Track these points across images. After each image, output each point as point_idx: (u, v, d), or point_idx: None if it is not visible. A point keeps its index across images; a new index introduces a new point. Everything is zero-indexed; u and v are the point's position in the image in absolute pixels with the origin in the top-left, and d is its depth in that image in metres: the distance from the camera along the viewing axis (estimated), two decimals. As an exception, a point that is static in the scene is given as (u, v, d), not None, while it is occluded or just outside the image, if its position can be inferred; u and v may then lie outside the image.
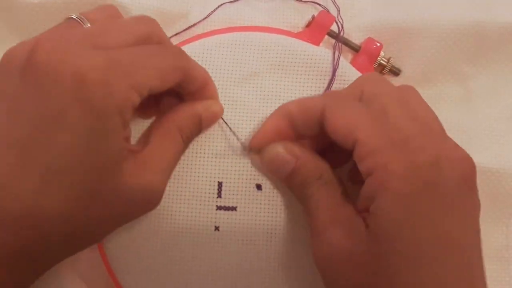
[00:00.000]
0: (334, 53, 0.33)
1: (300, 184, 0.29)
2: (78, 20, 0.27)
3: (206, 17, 0.34)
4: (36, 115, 0.22)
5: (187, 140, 0.29)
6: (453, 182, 0.24)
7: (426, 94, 0.35)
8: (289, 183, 0.30)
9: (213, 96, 0.31)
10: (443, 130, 0.27)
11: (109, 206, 0.25)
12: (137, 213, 0.28)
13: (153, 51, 0.26)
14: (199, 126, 0.30)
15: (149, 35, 0.27)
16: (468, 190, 0.25)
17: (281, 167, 0.29)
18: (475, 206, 0.25)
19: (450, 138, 0.27)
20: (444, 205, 0.24)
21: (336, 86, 0.33)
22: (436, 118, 0.27)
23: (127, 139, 0.27)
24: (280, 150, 0.29)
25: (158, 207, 0.29)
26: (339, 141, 0.27)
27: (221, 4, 0.34)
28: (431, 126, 0.26)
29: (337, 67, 0.33)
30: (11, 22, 0.34)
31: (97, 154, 0.23)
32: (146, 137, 0.29)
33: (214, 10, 0.34)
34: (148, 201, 0.27)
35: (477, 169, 0.33)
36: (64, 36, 0.25)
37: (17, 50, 0.25)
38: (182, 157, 0.31)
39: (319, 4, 0.35)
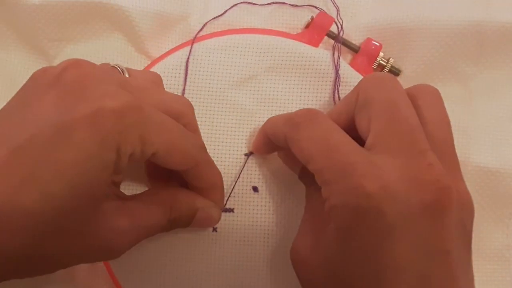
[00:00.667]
0: (333, 54, 0.33)
1: (304, 184, 0.30)
2: (119, 70, 0.27)
3: (217, 16, 0.34)
4: (45, 123, 0.22)
5: (171, 223, 0.28)
6: (404, 211, 0.22)
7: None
8: (301, 180, 0.30)
9: (217, 202, 0.30)
10: (423, 148, 0.24)
11: (73, 234, 0.24)
12: (95, 254, 0.26)
13: (177, 127, 0.26)
14: (189, 220, 0.28)
15: (181, 114, 0.27)
16: (428, 217, 0.23)
17: (293, 168, 0.30)
18: (440, 234, 0.23)
19: (430, 157, 0.24)
20: (386, 236, 0.22)
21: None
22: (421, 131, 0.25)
23: (116, 184, 0.26)
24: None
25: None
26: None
27: (234, 5, 0.35)
28: (416, 139, 0.24)
29: (339, 67, 0.33)
30: (12, 24, 0.34)
31: (83, 181, 0.22)
32: (140, 195, 0.28)
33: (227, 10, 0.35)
34: (110, 248, 0.25)
35: (478, 169, 0.33)
36: (102, 68, 0.25)
37: (52, 67, 0.25)
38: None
39: (316, 7, 0.35)
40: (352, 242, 0.23)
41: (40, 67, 0.34)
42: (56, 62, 0.34)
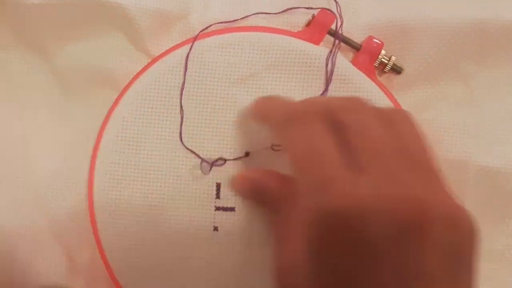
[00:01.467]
0: (331, 51, 0.33)
1: (262, 204, 0.31)
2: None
3: (228, 21, 0.34)
4: None
5: None
6: (384, 231, 0.21)
7: (429, 93, 0.35)
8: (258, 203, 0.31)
9: None
10: (408, 165, 0.23)
11: None
12: None
13: None
14: None
15: None
16: (407, 238, 0.21)
17: (246, 195, 0.31)
18: (418, 255, 0.21)
19: (414, 174, 0.23)
20: (365, 257, 0.22)
21: (336, 85, 0.33)
22: (405, 149, 0.24)
23: None
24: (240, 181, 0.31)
25: (159, 208, 0.30)
26: None
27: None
28: (389, 163, 0.23)
29: (334, 66, 0.33)
30: (12, 23, 0.34)
31: None
32: None
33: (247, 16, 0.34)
34: None
35: (479, 168, 0.33)
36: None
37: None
38: (182, 159, 0.32)
39: (316, 8, 0.35)
40: (327, 261, 0.22)
41: (40, 67, 0.34)
42: (56, 62, 0.34)
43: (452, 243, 0.22)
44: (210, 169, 0.31)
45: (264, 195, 0.29)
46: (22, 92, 0.32)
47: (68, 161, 0.34)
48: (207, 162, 0.31)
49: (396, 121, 0.25)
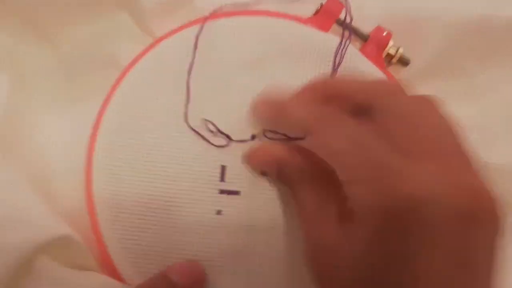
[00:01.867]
0: (341, 39, 0.33)
1: (287, 183, 0.29)
2: None
3: None
4: None
5: None
6: (443, 216, 0.21)
7: (431, 89, 0.35)
8: (281, 181, 0.30)
9: None
10: (454, 152, 0.24)
11: None
12: None
13: None
14: None
15: None
16: (463, 226, 0.22)
17: (269, 170, 0.30)
18: (472, 243, 0.22)
19: (462, 161, 0.23)
20: (424, 241, 0.22)
21: (344, 73, 0.32)
22: (447, 136, 0.24)
23: None
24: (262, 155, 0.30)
25: (161, 189, 0.29)
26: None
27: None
28: (436, 149, 0.23)
29: (345, 52, 0.32)
30: (18, 11, 0.33)
31: None
32: None
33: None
34: None
35: (481, 165, 0.33)
36: None
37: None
38: (186, 140, 0.31)
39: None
40: (385, 245, 0.22)
41: (46, 50, 0.33)
42: (64, 47, 0.33)
43: (493, 234, 0.22)
44: (221, 132, 0.31)
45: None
46: (27, 76, 0.31)
47: (70, 144, 0.32)
48: (215, 126, 0.31)
49: (428, 106, 0.25)
